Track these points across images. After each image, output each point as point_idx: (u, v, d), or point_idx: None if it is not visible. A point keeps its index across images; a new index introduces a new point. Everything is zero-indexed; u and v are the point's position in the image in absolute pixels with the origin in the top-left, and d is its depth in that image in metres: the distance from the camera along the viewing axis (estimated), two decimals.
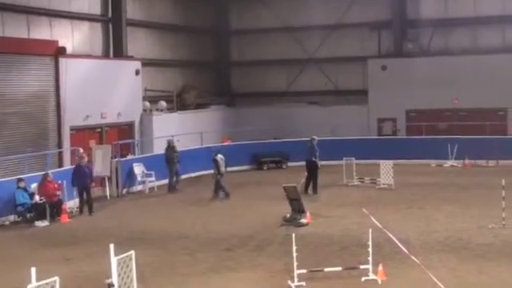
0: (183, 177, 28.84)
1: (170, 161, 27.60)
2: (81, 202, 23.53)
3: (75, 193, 23.85)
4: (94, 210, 23.36)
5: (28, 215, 22.10)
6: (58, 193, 22.66)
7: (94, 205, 23.60)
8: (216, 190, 25.82)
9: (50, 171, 23.39)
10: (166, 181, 28.00)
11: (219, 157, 25.92)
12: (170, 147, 27.92)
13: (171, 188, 27.58)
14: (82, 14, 31.29)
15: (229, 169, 32.71)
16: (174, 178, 27.74)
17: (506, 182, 19.16)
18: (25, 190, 22.20)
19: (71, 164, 26.45)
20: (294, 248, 13.69)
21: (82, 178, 23.38)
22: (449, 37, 38.40)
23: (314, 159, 25.88)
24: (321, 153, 26.25)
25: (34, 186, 22.73)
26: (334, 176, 28.70)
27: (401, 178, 27.00)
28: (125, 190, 27.57)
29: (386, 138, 36.75)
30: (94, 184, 25.19)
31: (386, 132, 37.68)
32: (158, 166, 28.03)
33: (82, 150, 25.42)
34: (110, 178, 26.70)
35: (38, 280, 9.49)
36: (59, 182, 23.25)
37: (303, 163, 26.23)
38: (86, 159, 24.16)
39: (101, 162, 26.64)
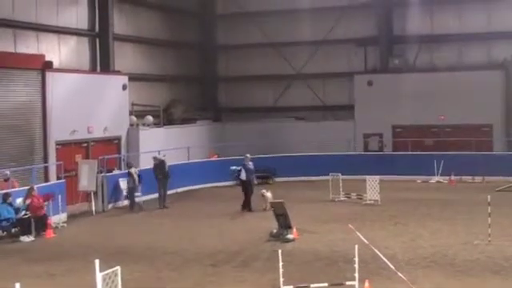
0: (169, 192, 28.61)
1: (162, 176, 27.53)
2: None
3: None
4: None
5: (13, 230, 21.95)
6: (44, 206, 22.48)
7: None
8: (131, 203, 27.22)
9: (34, 185, 23.17)
10: (152, 196, 28.00)
11: (133, 170, 27.50)
12: (160, 162, 27.83)
13: (161, 204, 27.50)
14: (70, 29, 31.23)
15: (215, 184, 32.90)
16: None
17: (491, 199, 19.22)
18: (10, 204, 22.04)
19: (57, 179, 26.45)
20: (281, 264, 13.66)
21: None
22: (434, 53, 38.66)
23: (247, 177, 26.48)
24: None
25: (19, 200, 22.56)
26: (320, 192, 28.71)
27: (387, 193, 27.05)
28: (110, 205, 27.47)
29: (373, 153, 36.84)
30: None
31: (372, 147, 37.74)
32: (144, 180, 27.91)
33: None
34: (95, 193, 26.64)
35: None
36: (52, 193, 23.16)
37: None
38: None
39: (87, 176, 26.58)
